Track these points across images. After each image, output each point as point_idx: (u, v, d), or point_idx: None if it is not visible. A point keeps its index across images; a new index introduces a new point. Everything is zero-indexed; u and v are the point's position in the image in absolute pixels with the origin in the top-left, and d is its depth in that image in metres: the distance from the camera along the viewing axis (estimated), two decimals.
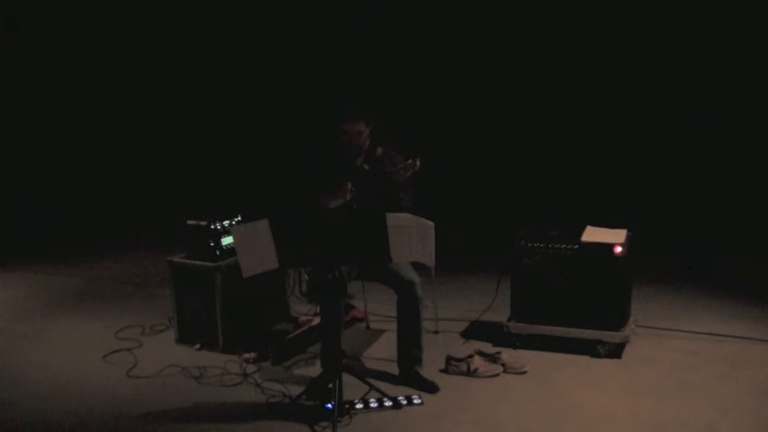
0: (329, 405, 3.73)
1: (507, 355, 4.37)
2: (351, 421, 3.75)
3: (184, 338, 4.85)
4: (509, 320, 4.67)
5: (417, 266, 4.17)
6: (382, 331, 5.03)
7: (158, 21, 8.70)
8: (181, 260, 4.82)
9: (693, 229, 6.92)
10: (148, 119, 8.84)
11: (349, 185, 4.23)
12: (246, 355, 4.55)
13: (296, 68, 8.24)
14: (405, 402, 3.92)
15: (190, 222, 4.80)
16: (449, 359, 4.32)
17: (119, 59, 8.75)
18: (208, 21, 8.58)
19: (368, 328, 5.15)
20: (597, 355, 4.43)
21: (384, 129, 4.44)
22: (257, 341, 4.64)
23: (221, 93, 8.60)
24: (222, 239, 4.74)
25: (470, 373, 4.24)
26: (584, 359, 4.43)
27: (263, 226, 3.66)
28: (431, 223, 3.89)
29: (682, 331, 4.84)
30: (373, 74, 7.86)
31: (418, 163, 3.98)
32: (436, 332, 4.97)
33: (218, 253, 4.71)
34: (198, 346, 4.76)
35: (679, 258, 6.48)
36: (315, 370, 4.31)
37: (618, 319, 4.45)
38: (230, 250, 4.63)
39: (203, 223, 4.75)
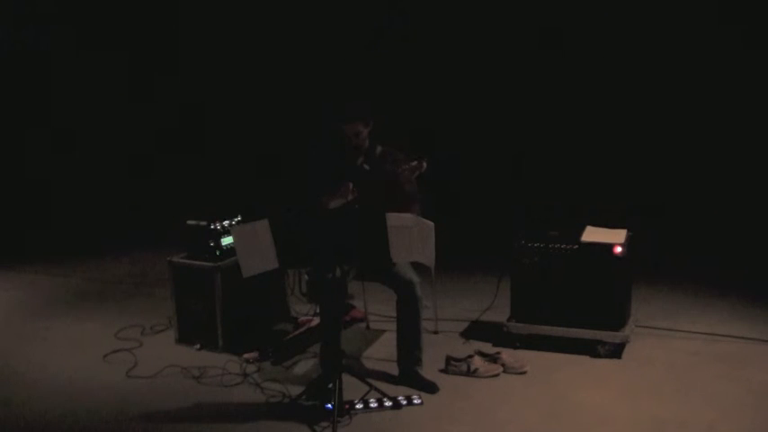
0: (329, 405, 3.73)
1: (507, 355, 4.37)
2: (351, 421, 3.75)
3: (184, 338, 4.85)
4: (509, 320, 4.67)
5: (417, 266, 4.17)
6: (382, 331, 5.03)
7: (157, 19, 8.70)
8: (181, 260, 4.83)
9: (693, 229, 6.91)
10: (147, 119, 8.85)
11: (350, 185, 4.23)
12: (246, 355, 4.55)
13: (295, 67, 8.24)
14: (405, 402, 3.92)
15: (190, 222, 4.80)
16: (449, 359, 4.32)
17: (117, 60, 8.76)
18: (208, 19, 8.57)
19: (368, 328, 5.15)
20: (597, 355, 4.43)
21: (383, 127, 4.44)
22: (257, 341, 4.64)
23: (221, 91, 8.59)
24: (222, 239, 4.73)
25: (470, 373, 4.24)
26: (585, 359, 4.43)
27: (263, 226, 3.65)
28: (431, 223, 3.89)
29: (682, 331, 4.84)
30: (372, 73, 7.86)
31: (425, 164, 3.98)
32: (436, 332, 4.97)
33: (218, 253, 4.71)
34: (198, 346, 4.76)
35: (675, 258, 6.48)
36: (315, 370, 4.30)
37: (618, 319, 4.45)
38: (230, 250, 4.63)
39: (203, 223, 4.75)
